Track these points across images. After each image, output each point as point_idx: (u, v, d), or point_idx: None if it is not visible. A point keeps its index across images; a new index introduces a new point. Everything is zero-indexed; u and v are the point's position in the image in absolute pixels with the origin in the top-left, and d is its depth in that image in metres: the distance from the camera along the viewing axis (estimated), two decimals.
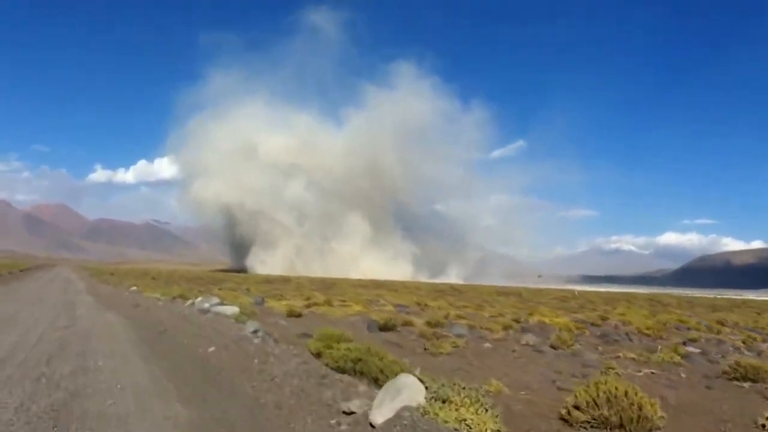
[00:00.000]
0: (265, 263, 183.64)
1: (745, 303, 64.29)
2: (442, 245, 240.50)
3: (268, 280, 69.33)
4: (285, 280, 72.72)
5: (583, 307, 35.49)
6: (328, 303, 21.06)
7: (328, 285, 59.92)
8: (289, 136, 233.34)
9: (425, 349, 11.62)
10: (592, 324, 19.66)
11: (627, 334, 16.65)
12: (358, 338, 9.99)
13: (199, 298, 16.92)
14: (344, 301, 26.36)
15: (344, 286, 57.17)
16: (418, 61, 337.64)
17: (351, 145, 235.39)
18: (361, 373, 6.49)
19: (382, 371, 6.28)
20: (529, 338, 13.32)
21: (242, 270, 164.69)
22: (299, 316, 16.89)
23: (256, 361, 7.79)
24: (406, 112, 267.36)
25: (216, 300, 15.43)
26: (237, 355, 8.39)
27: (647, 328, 17.12)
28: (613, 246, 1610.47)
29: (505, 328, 15.95)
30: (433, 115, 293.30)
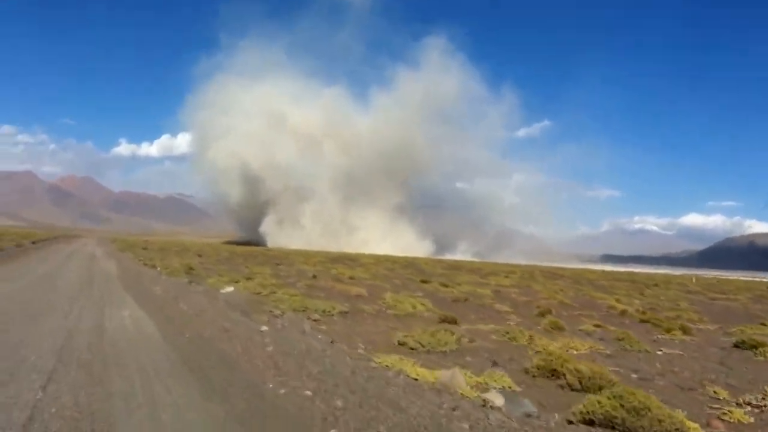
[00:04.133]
0: (289, 235, 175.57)
1: None
2: (461, 222, 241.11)
3: (332, 258, 57.06)
4: (350, 258, 60.42)
5: None
6: None
7: (417, 268, 47.61)
8: (317, 108, 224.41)
9: None
10: None
11: None
12: None
13: None
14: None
15: (435, 271, 44.87)
16: (447, 38, 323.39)
17: (378, 122, 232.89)
18: None
19: None
20: None
21: (256, 242, 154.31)
22: None
23: None
24: (434, 91, 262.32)
25: None
26: None
27: None
28: (636, 226, 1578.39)
29: None
30: (460, 94, 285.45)
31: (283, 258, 49.73)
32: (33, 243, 45.34)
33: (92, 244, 59.24)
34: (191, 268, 25.45)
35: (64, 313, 9.51)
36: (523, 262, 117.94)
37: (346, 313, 11.51)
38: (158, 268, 23.25)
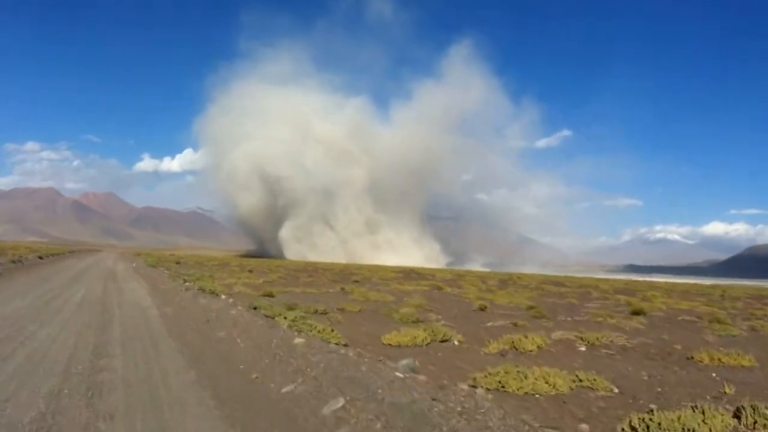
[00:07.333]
0: (318, 235, 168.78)
1: None
2: (479, 233, 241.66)
3: (402, 272, 46.97)
4: (417, 272, 50.23)
5: None
6: None
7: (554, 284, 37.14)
8: (341, 118, 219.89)
9: None
10: None
11: None
12: None
13: None
14: None
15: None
16: (468, 50, 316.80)
17: (400, 133, 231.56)
18: None
19: None
20: None
21: (270, 255, 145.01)
22: None
23: None
24: (456, 102, 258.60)
25: None
26: None
27: None
28: (658, 236, 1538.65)
29: None
30: (481, 105, 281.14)
31: (351, 274, 39.71)
32: (40, 258, 36.05)
33: (112, 259, 49.99)
34: (270, 295, 15.51)
35: None
36: (545, 272, 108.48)
37: None
38: (223, 296, 13.33)
